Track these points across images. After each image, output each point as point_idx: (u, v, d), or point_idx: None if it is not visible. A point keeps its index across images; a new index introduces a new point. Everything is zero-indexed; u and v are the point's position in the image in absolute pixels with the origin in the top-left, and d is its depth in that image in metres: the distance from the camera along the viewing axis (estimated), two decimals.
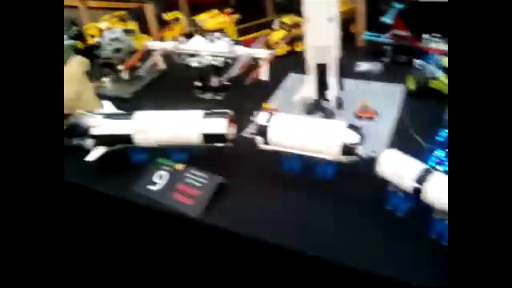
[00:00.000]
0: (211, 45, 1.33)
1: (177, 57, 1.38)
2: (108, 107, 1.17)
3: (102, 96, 1.29)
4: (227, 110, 1.04)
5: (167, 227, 1.03)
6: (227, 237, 0.92)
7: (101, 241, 1.22)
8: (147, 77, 1.49)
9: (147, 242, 1.11)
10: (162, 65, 1.44)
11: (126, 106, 1.27)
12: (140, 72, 1.45)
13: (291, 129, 0.97)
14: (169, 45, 1.38)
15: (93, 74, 1.35)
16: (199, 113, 1.04)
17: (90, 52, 1.50)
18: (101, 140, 1.07)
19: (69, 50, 1.24)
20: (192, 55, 1.33)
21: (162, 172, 1.05)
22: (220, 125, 1.01)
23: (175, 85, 1.44)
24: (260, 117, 0.98)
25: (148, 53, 1.44)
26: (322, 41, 1.09)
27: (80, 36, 1.72)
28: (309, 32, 1.08)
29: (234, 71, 1.24)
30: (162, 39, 1.72)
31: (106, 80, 1.47)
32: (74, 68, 1.23)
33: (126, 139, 1.05)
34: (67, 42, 1.18)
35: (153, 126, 1.04)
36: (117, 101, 1.40)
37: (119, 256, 1.22)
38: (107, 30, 1.49)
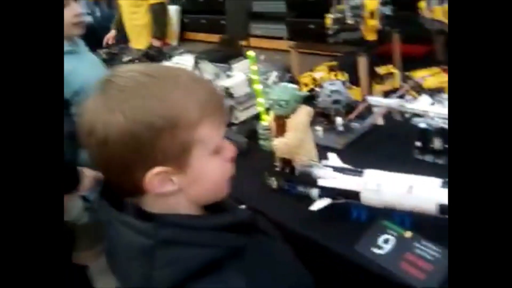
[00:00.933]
0: (439, 106, 1.26)
1: (399, 115, 1.34)
2: (333, 159, 1.19)
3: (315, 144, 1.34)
4: None
5: None
6: None
7: None
8: (360, 130, 1.49)
9: None
10: (380, 121, 1.42)
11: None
12: (355, 125, 1.45)
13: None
14: (393, 102, 1.35)
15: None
16: (437, 181, 0.97)
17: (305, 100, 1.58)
18: (328, 192, 1.08)
19: (298, 98, 1.32)
20: (418, 115, 1.28)
21: (388, 236, 1.00)
22: None
23: (390, 142, 1.40)
24: None
25: (368, 107, 1.44)
26: None
27: (292, 82, 1.84)
28: None
29: None
30: (371, 92, 1.72)
31: (319, 129, 1.51)
32: (302, 117, 1.29)
33: (353, 195, 1.05)
34: (299, 92, 1.25)
35: (385, 187, 1.02)
36: (327, 151, 1.44)
37: None
38: (328, 81, 1.55)
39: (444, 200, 0.93)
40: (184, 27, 6.33)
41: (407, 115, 1.31)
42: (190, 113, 0.62)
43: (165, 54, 2.64)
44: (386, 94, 1.68)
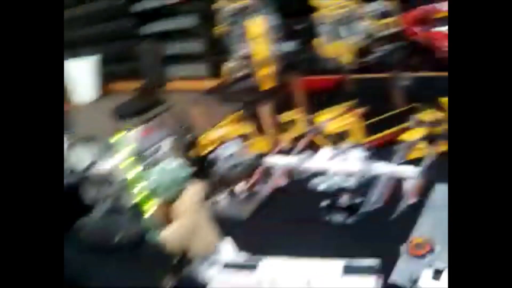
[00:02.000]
0: (341, 160, 1.13)
1: (299, 174, 1.20)
2: (227, 247, 1.02)
3: (216, 215, 1.17)
4: (374, 262, 0.80)
5: None
6: None
7: None
8: (263, 193, 1.33)
9: None
10: (282, 182, 1.27)
11: (244, 229, 1.12)
12: (257, 189, 1.30)
13: None
14: (291, 162, 1.21)
15: (208, 189, 1.24)
16: (338, 267, 0.82)
17: (202, 163, 1.43)
18: None
19: (181, 180, 1.15)
20: (318, 173, 1.14)
21: None
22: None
23: (296, 204, 1.26)
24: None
25: (267, 170, 1.30)
26: None
27: (194, 145, 1.67)
28: None
29: (376, 201, 1.02)
30: (277, 143, 1.58)
31: (221, 198, 1.34)
32: (190, 198, 1.11)
33: None
34: (182, 173, 1.08)
35: (281, 284, 0.85)
36: (232, 222, 1.27)
37: None
38: (223, 144, 1.40)
39: None
40: (105, 77, 6.08)
41: (305, 175, 1.17)
42: None
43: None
44: (296, 140, 1.56)
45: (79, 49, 5.89)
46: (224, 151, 1.34)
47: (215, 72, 4.87)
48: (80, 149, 1.30)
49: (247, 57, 1.63)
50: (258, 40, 1.61)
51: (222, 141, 1.61)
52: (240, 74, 1.73)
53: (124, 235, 1.28)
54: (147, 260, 1.23)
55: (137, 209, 1.35)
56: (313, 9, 1.70)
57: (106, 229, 1.32)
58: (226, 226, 1.17)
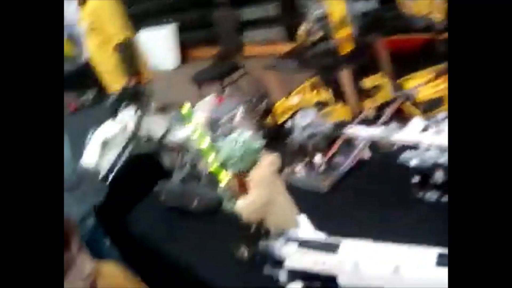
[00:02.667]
0: (434, 133, 0.99)
1: (387, 147, 1.09)
2: (304, 224, 0.95)
3: (293, 188, 1.11)
4: None
5: None
6: None
7: None
8: (344, 167, 1.23)
9: None
10: (366, 155, 1.16)
11: (322, 205, 1.04)
12: (338, 162, 1.20)
13: None
14: (376, 133, 1.10)
15: (284, 160, 1.18)
16: (432, 255, 0.72)
17: (278, 132, 1.36)
18: (297, 275, 0.85)
19: (253, 150, 1.08)
20: (408, 146, 1.02)
21: None
22: None
23: (381, 178, 1.15)
24: None
25: (348, 141, 1.19)
26: None
27: (268, 112, 1.60)
28: None
29: None
30: (358, 112, 1.46)
31: (299, 169, 1.27)
32: (264, 170, 1.06)
33: (329, 279, 0.81)
34: (256, 144, 1.02)
35: (365, 268, 0.77)
36: (310, 196, 1.20)
37: None
38: (300, 112, 1.31)
39: (441, 283, 0.68)
40: (184, 44, 6.19)
41: (395, 147, 1.05)
42: None
43: (143, 92, 2.46)
44: (380, 109, 1.42)
45: (157, 17, 6.04)
46: (301, 120, 1.25)
47: (291, 36, 4.72)
48: (156, 117, 1.30)
49: (324, 18, 1.49)
50: None
51: (298, 109, 1.53)
52: (316, 37, 1.60)
53: (201, 202, 1.28)
54: (223, 228, 1.22)
55: (212, 177, 1.34)
56: None
57: (184, 195, 1.33)
58: (303, 199, 1.12)
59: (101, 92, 2.99)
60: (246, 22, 4.54)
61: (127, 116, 1.27)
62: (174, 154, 1.38)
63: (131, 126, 1.23)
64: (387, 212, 0.99)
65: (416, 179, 1.03)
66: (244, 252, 1.08)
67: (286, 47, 4.60)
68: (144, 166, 1.40)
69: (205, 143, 1.04)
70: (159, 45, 5.90)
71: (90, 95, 2.94)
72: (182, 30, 6.10)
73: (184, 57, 6.20)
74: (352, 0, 1.52)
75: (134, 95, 2.48)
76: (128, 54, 2.81)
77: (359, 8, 1.52)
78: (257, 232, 1.10)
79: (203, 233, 1.25)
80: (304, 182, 1.24)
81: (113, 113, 1.55)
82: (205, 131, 1.15)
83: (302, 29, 1.66)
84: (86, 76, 3.32)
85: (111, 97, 2.73)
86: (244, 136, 1.03)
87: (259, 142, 1.03)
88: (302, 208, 1.09)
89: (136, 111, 1.27)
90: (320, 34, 1.52)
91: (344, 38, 1.47)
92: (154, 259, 1.30)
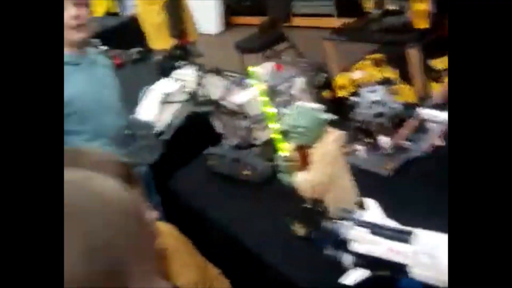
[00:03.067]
0: None
1: None
2: (372, 208, 0.89)
3: (353, 168, 1.05)
4: None
5: None
6: None
7: None
8: (413, 151, 1.15)
9: None
10: (440, 142, 1.08)
11: (383, 189, 0.98)
12: (406, 145, 1.13)
13: None
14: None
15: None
16: None
17: (338, 107, 1.28)
18: (364, 260, 0.79)
19: (322, 123, 1.01)
20: None
21: None
22: None
23: None
24: None
25: (421, 122, 1.10)
26: None
27: (327, 85, 1.52)
28: None
29: None
30: (428, 92, 1.36)
31: (360, 148, 1.20)
32: (329, 146, 0.99)
33: (400, 268, 0.75)
34: (323, 117, 0.95)
35: (443, 261, 0.71)
36: (370, 178, 1.14)
37: None
38: (366, 87, 1.23)
39: None
40: (229, 11, 6.08)
41: None
42: None
43: (191, 52, 2.41)
44: None
45: None
46: (368, 96, 1.17)
47: (342, 9, 4.53)
48: (214, 78, 1.24)
49: None
50: None
51: (360, 85, 1.44)
52: (387, 8, 1.49)
53: (252, 171, 1.23)
54: (273, 200, 1.18)
55: (269, 147, 1.28)
56: None
57: (234, 162, 1.28)
58: (362, 181, 1.05)
59: (146, 49, 2.96)
60: None
61: (185, 75, 1.22)
62: (228, 118, 1.33)
63: (190, 85, 1.18)
64: None
65: None
66: (299, 227, 1.03)
67: (335, 21, 4.44)
68: (197, 127, 1.36)
69: (266, 109, 0.98)
70: (204, 8, 5.81)
71: (134, 51, 2.91)
72: None
73: (227, 23, 6.11)
74: None
75: (184, 54, 2.44)
76: (175, 14, 2.76)
77: None
78: (313, 209, 1.05)
79: (252, 203, 1.22)
80: (365, 163, 1.17)
81: (164, 71, 1.51)
82: (267, 96, 1.08)
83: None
84: (129, 33, 3.29)
85: (158, 55, 2.70)
86: (309, 107, 0.97)
87: (327, 115, 0.97)
88: (361, 190, 1.03)
89: (195, 71, 1.21)
90: (393, 6, 1.41)
91: (419, 12, 1.36)
92: (198, 222, 1.28)
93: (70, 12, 1.34)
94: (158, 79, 1.28)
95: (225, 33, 5.89)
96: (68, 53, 1.40)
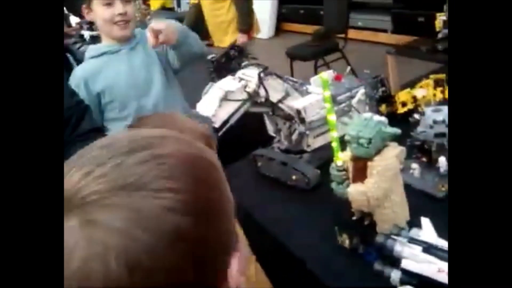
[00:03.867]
0: None
1: None
2: (426, 226, 0.87)
3: (407, 186, 1.03)
4: None
5: None
6: None
7: None
8: None
9: None
10: None
11: (436, 210, 0.95)
12: None
13: None
14: None
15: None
16: None
17: (398, 122, 1.26)
18: (413, 279, 0.78)
19: (386, 136, 1.00)
20: None
21: None
22: None
23: None
24: None
25: None
26: None
27: (386, 99, 1.50)
28: None
29: None
30: None
31: (415, 166, 1.17)
32: (389, 161, 0.97)
33: None
34: (388, 129, 0.94)
35: None
36: (425, 199, 1.11)
37: None
38: (431, 106, 1.20)
39: None
40: (281, 17, 6.11)
41: None
42: None
43: (247, 54, 2.44)
44: None
45: None
46: (432, 115, 1.14)
47: (398, 25, 4.45)
48: (272, 81, 1.25)
49: None
50: None
51: (422, 103, 1.41)
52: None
53: (302, 177, 1.23)
54: (320, 208, 1.17)
55: (320, 154, 1.28)
56: None
57: (283, 166, 1.28)
58: (419, 200, 1.03)
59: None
60: (355, 3, 4.34)
61: (249, 75, 1.24)
62: (283, 121, 1.33)
63: (252, 85, 1.20)
64: None
65: None
66: (346, 238, 1.02)
67: (391, 37, 4.36)
68: (251, 127, 1.38)
69: (331, 117, 0.98)
70: (257, 12, 5.88)
71: None
72: (283, 2, 6.02)
73: (278, 29, 6.14)
74: None
75: (239, 55, 2.47)
76: (246, 7, 2.80)
77: None
78: (362, 222, 1.04)
79: (299, 208, 1.21)
80: (419, 182, 1.14)
81: (221, 69, 1.53)
82: (327, 104, 1.08)
83: (441, 19, 1.52)
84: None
85: (216, 54, 2.75)
86: (377, 119, 0.96)
87: (392, 129, 0.95)
88: (414, 209, 1.01)
89: (258, 71, 1.23)
90: None
91: None
92: (244, 220, 1.29)
93: (117, 9, 1.36)
94: (212, 77, 1.31)
95: (275, 39, 5.92)
96: (107, 44, 1.44)
